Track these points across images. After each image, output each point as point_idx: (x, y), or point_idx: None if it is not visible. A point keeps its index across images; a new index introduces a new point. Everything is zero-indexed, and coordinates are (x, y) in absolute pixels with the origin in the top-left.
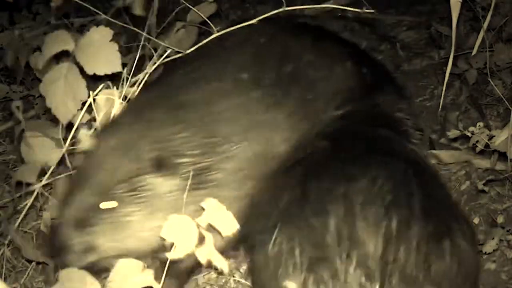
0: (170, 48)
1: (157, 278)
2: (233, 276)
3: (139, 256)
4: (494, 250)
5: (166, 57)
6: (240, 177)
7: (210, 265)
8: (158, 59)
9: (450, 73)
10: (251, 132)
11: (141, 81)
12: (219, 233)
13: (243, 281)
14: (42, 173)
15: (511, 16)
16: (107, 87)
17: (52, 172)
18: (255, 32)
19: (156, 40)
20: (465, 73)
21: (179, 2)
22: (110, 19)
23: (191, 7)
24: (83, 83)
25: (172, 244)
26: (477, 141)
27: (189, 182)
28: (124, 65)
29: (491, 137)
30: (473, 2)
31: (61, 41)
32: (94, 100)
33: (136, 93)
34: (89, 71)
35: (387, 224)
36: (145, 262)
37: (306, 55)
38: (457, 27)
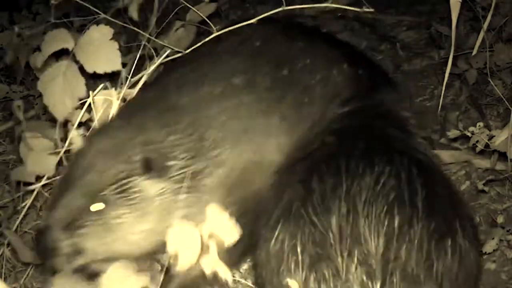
0: (170, 48)
1: (155, 281)
2: (233, 276)
3: (129, 259)
4: (494, 250)
5: (166, 57)
6: (231, 183)
7: (214, 276)
8: (158, 59)
9: (450, 73)
10: (243, 138)
11: (140, 81)
12: (222, 241)
13: (243, 281)
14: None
15: (511, 16)
16: (106, 87)
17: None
18: (250, 35)
19: (156, 40)
20: (465, 73)
21: (179, 2)
22: (110, 18)
23: (190, 6)
24: (81, 81)
25: (176, 255)
26: (477, 141)
27: (180, 185)
28: (124, 65)
29: (491, 137)
30: (473, 2)
31: (60, 39)
32: (92, 100)
33: (135, 94)
34: (89, 69)
35: (389, 222)
36: (143, 265)
37: (302, 58)
38: (457, 27)
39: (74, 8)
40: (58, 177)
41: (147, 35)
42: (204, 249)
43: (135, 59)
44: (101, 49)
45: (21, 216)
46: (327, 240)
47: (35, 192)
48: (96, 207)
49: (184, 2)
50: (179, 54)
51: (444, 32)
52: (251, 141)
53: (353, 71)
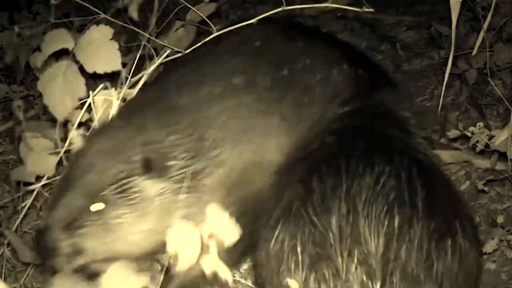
0: (170, 47)
1: (155, 281)
2: (233, 276)
3: (129, 259)
4: (494, 250)
5: (166, 57)
6: (231, 183)
7: (214, 276)
8: (158, 59)
9: (450, 73)
10: (243, 138)
11: (140, 81)
12: (222, 241)
13: (243, 281)
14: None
15: (511, 16)
16: (106, 88)
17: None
18: (250, 35)
19: (156, 40)
20: (465, 73)
21: (179, 2)
22: (110, 18)
23: (190, 6)
24: (81, 81)
25: (176, 255)
26: (477, 141)
27: (180, 185)
28: (124, 65)
29: (491, 137)
30: (473, 2)
31: (60, 39)
32: (92, 100)
33: (135, 94)
34: (89, 69)
35: (389, 222)
36: (143, 265)
37: (302, 58)
38: (457, 27)
39: (74, 8)
40: (58, 177)
41: (147, 35)
42: (204, 249)
43: (135, 59)
44: (101, 49)
45: (21, 216)
46: (327, 240)
47: (35, 192)
48: (96, 207)
49: (184, 2)
50: (179, 54)
51: (444, 32)
52: (251, 141)
53: (353, 71)
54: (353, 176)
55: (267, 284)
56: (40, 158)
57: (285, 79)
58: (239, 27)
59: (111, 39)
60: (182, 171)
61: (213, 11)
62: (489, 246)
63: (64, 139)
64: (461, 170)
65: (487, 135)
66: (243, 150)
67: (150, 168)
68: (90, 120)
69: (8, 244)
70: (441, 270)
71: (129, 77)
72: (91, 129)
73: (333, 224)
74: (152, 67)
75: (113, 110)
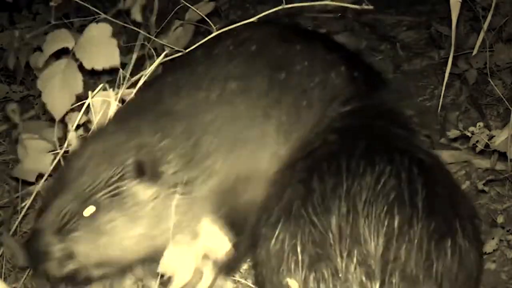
0: (169, 47)
1: None
2: (233, 276)
3: (122, 266)
4: (494, 250)
5: (165, 56)
6: (222, 193)
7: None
8: (157, 58)
9: (450, 73)
10: (237, 148)
11: (139, 81)
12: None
13: (243, 281)
14: (41, 174)
15: (511, 16)
16: (104, 89)
17: (50, 174)
18: (246, 38)
19: (156, 40)
20: (465, 73)
21: (179, 1)
22: (110, 18)
23: (189, 5)
24: (79, 77)
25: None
26: (477, 141)
27: (172, 191)
28: (123, 65)
29: (491, 137)
30: (473, 2)
31: (61, 39)
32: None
33: (133, 95)
34: (88, 65)
35: (389, 222)
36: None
37: (299, 61)
38: (457, 27)
39: (74, 8)
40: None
41: (147, 35)
42: (197, 273)
43: (135, 59)
44: (100, 46)
45: (20, 216)
46: (327, 240)
47: (35, 192)
48: (88, 211)
49: (183, 1)
50: (179, 54)
51: (444, 32)
52: (245, 151)
53: (350, 73)
54: (354, 175)
55: (267, 282)
56: (36, 159)
57: (283, 82)
58: (238, 27)
59: (110, 36)
60: (174, 177)
61: (212, 10)
62: (489, 246)
63: (63, 140)
64: (461, 170)
65: (487, 135)
66: (236, 160)
67: (143, 172)
68: (89, 121)
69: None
70: (440, 271)
71: (128, 77)
72: (91, 131)
73: (333, 224)
74: (151, 67)
75: (112, 111)
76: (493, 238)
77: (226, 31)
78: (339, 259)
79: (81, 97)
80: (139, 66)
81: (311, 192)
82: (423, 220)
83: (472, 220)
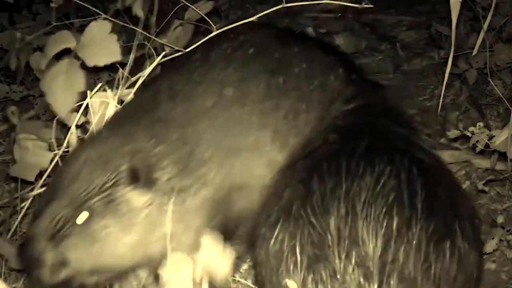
0: (169, 46)
1: None
2: (233, 276)
3: (115, 273)
4: (494, 250)
5: (164, 56)
6: (215, 203)
7: None
8: (157, 58)
9: (450, 73)
10: (231, 157)
11: (138, 81)
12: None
13: (243, 281)
14: (41, 174)
15: (511, 16)
16: (103, 90)
17: (49, 175)
18: (244, 41)
19: (156, 39)
20: (465, 73)
21: (179, 1)
22: (110, 18)
23: (189, 4)
24: (81, 75)
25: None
26: (477, 141)
27: (166, 198)
28: (123, 65)
29: (491, 137)
30: (473, 2)
31: (63, 40)
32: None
33: (132, 95)
34: (90, 63)
35: (388, 223)
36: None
37: (298, 64)
38: (457, 27)
39: (74, 8)
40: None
41: (147, 34)
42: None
43: (134, 58)
44: (100, 42)
45: (20, 217)
46: (326, 242)
47: (34, 193)
48: (81, 218)
49: (183, 0)
50: (179, 54)
51: (444, 32)
52: (239, 161)
53: (348, 76)
54: (353, 176)
55: (266, 282)
56: (33, 158)
57: (281, 86)
58: (237, 28)
59: (109, 32)
60: (168, 184)
61: (211, 9)
62: (489, 246)
63: (61, 140)
64: (461, 170)
65: (487, 135)
66: (231, 169)
67: (137, 178)
68: (87, 122)
69: None
70: (439, 273)
71: (128, 77)
72: (88, 132)
73: (332, 226)
74: (150, 67)
75: (110, 111)
76: (493, 238)
77: (225, 31)
78: (337, 261)
79: (81, 98)
80: (139, 65)
81: (311, 193)
82: (422, 221)
83: (472, 221)
